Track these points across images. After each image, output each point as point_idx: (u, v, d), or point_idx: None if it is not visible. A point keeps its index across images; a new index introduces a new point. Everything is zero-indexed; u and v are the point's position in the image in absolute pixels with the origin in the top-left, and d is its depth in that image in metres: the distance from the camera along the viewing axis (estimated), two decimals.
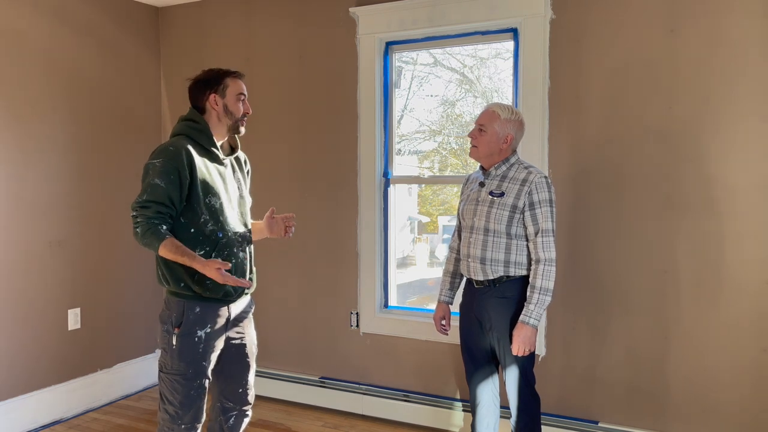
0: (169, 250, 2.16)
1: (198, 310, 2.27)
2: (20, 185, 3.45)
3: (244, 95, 2.38)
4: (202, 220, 2.26)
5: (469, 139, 2.64)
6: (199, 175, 2.24)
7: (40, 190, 3.54)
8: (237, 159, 2.48)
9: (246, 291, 2.42)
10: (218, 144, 2.35)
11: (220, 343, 2.36)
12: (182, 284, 2.25)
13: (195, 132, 2.30)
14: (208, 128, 2.32)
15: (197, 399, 2.31)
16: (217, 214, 2.29)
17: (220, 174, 2.34)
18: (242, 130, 2.40)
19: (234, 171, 2.44)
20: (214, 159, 2.33)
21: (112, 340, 3.97)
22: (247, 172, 2.56)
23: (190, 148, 2.24)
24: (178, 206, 2.22)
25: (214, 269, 2.12)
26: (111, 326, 3.96)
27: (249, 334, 2.48)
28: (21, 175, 3.45)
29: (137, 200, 2.20)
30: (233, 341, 2.41)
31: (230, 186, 2.38)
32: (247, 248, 2.43)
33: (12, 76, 3.40)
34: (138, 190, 2.27)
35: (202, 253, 2.25)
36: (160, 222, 2.18)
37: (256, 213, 2.73)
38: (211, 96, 2.33)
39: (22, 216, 3.46)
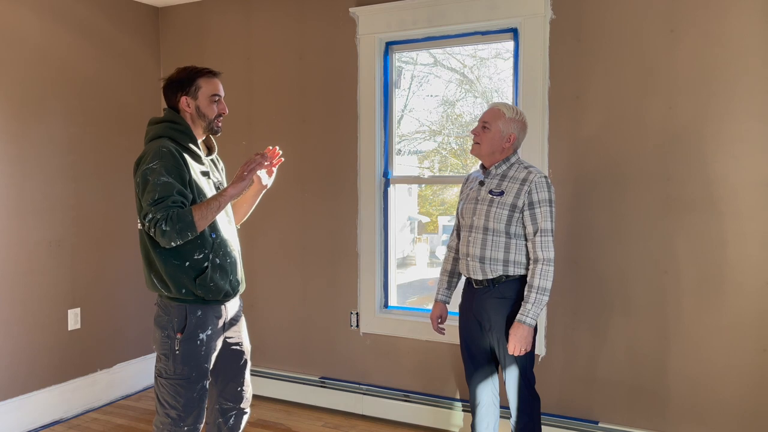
0: (202, 213, 2.12)
1: (200, 313, 2.26)
2: (20, 185, 3.45)
3: (219, 96, 2.31)
4: None
5: (471, 137, 2.64)
6: (190, 175, 2.23)
7: (40, 190, 3.54)
8: (212, 160, 2.45)
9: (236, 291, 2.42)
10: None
11: (219, 344, 2.36)
12: (184, 290, 2.23)
13: (177, 133, 2.26)
14: (189, 129, 2.28)
15: (200, 401, 2.31)
16: None
17: (204, 174, 2.33)
18: (219, 130, 2.34)
19: (213, 171, 2.42)
20: (196, 159, 2.31)
21: (112, 340, 3.97)
22: (222, 169, 2.52)
23: (178, 149, 2.22)
24: (188, 200, 2.18)
25: (249, 175, 2.20)
26: (111, 326, 3.96)
27: (243, 331, 2.50)
28: (20, 174, 3.45)
29: (149, 201, 2.11)
30: (230, 340, 2.42)
31: (213, 186, 2.36)
32: (237, 247, 2.43)
33: (11, 75, 3.40)
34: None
35: (200, 256, 2.24)
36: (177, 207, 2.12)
37: (256, 214, 2.73)
38: (183, 98, 2.28)
39: (22, 216, 3.46)
